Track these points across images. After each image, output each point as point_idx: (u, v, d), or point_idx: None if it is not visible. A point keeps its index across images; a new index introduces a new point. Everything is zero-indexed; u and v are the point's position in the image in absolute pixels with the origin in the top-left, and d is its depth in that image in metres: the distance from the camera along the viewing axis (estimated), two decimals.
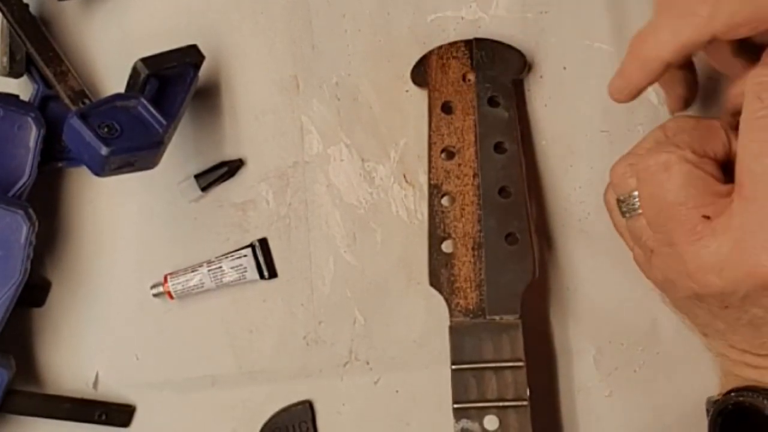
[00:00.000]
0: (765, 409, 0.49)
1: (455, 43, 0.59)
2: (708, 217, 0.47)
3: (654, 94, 0.60)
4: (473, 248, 0.56)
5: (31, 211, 0.56)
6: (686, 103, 0.56)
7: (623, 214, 0.52)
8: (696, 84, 0.55)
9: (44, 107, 0.60)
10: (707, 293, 0.48)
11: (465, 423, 0.54)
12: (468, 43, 0.59)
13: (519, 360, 0.55)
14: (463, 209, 0.57)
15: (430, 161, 0.58)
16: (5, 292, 0.56)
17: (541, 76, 0.61)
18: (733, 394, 0.51)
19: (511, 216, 0.57)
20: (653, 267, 0.51)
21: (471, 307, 0.56)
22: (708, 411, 0.53)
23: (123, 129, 0.52)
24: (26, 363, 0.61)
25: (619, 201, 0.52)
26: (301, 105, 0.62)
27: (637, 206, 0.51)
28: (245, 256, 0.60)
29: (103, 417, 0.60)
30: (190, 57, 0.58)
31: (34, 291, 0.61)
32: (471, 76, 0.58)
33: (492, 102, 0.58)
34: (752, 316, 0.48)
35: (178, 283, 0.60)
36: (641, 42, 0.50)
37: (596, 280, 0.60)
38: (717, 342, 0.52)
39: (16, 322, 0.59)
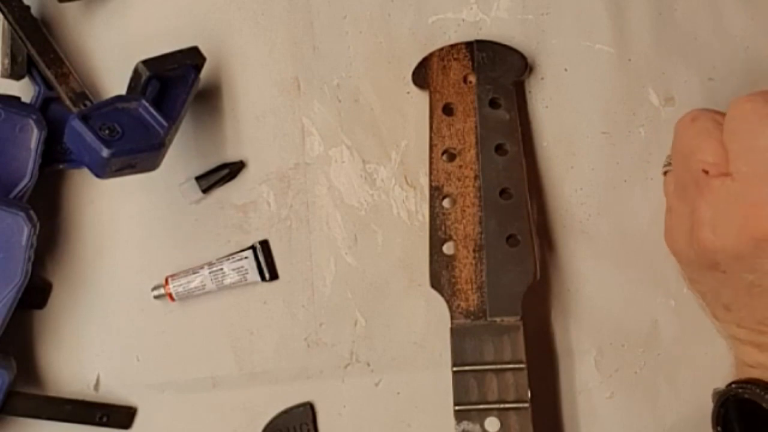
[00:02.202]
0: (763, 403, 0.49)
1: (456, 44, 0.59)
2: (707, 172, 0.50)
3: (654, 95, 0.60)
4: (474, 250, 0.56)
5: (32, 212, 0.56)
6: None
7: (664, 167, 0.56)
8: None
9: (45, 109, 0.60)
10: (704, 251, 0.50)
11: (466, 425, 0.54)
12: (469, 45, 0.59)
13: (520, 362, 0.55)
14: (464, 211, 0.57)
15: (431, 163, 0.58)
16: (6, 294, 0.56)
17: (542, 78, 0.61)
18: (734, 385, 0.52)
19: (512, 218, 0.57)
20: (668, 229, 0.54)
21: (472, 309, 0.56)
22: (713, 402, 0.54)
23: (124, 131, 0.52)
24: (27, 364, 0.61)
25: (668, 157, 0.56)
26: (302, 106, 0.62)
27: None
28: (246, 257, 0.60)
29: (104, 419, 0.60)
30: (191, 59, 0.58)
31: (35, 293, 0.61)
32: (472, 78, 0.58)
33: (493, 104, 0.58)
34: (749, 283, 0.50)
35: (179, 285, 0.60)
36: None
37: (597, 281, 0.60)
38: (727, 323, 0.53)
39: (17, 324, 0.59)
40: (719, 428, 0.53)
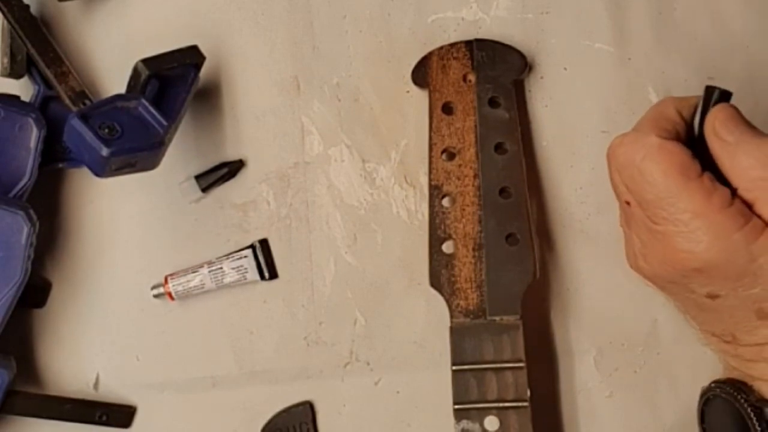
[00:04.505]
0: (736, 403, 0.50)
1: (456, 43, 0.59)
2: (628, 203, 0.50)
3: (654, 94, 0.60)
4: (474, 249, 0.56)
5: (31, 212, 0.56)
6: None
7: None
8: None
9: (45, 108, 0.60)
10: (645, 277, 0.51)
11: (465, 424, 0.54)
12: (469, 44, 0.59)
13: (519, 361, 0.55)
14: (464, 210, 0.57)
15: (430, 162, 0.58)
16: (6, 293, 0.56)
17: (541, 77, 0.61)
18: (713, 385, 0.53)
19: (511, 217, 0.57)
20: (626, 251, 0.54)
21: (471, 308, 0.56)
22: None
23: (124, 130, 0.52)
24: (27, 364, 0.61)
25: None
26: (302, 106, 0.62)
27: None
28: (246, 256, 0.60)
29: (104, 418, 0.60)
30: (190, 58, 0.58)
31: (35, 292, 0.61)
32: (471, 77, 0.58)
33: (492, 103, 0.58)
34: (694, 302, 0.50)
35: (179, 284, 0.60)
36: None
37: (597, 281, 0.60)
38: (704, 332, 0.54)
39: (17, 323, 0.59)
40: (703, 426, 0.54)
